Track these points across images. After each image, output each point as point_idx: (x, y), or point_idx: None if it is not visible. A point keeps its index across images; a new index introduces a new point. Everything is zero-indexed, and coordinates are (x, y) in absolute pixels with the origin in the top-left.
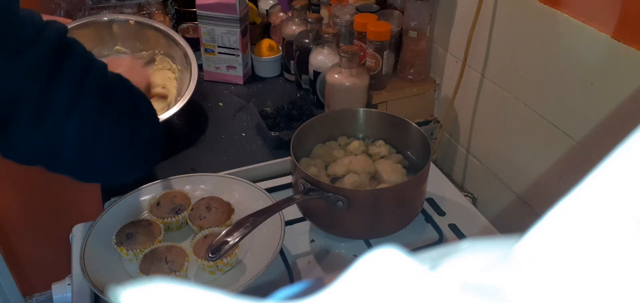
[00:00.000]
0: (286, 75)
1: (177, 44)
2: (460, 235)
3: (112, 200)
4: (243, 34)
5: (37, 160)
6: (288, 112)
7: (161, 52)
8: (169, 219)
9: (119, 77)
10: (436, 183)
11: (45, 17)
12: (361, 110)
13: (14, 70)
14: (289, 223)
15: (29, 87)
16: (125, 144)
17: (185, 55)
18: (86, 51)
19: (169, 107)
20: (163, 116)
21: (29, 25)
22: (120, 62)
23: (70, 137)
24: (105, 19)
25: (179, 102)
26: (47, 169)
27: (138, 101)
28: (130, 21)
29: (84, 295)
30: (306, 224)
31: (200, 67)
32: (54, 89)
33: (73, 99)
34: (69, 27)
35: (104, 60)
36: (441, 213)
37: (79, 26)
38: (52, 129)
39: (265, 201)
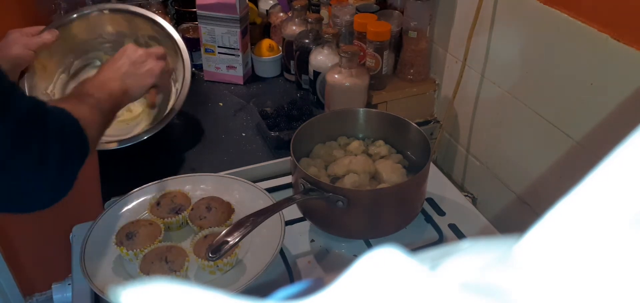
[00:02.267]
0: (286, 75)
1: (163, 29)
2: (460, 235)
3: (113, 200)
4: (243, 34)
5: None
6: (288, 113)
7: (147, 36)
8: (169, 219)
9: (38, 114)
10: (436, 183)
11: None
12: (361, 110)
13: None
14: (289, 223)
15: None
16: (25, 184)
17: (173, 40)
18: (7, 81)
19: (168, 99)
20: (170, 105)
21: None
22: (117, 57)
23: None
24: (75, 15)
25: (180, 94)
26: None
27: (51, 141)
28: (104, 11)
29: (84, 295)
30: (306, 224)
31: (199, 67)
32: None
33: None
34: (54, 29)
35: (106, 60)
36: (441, 213)
37: (59, 26)
38: None
39: (265, 201)
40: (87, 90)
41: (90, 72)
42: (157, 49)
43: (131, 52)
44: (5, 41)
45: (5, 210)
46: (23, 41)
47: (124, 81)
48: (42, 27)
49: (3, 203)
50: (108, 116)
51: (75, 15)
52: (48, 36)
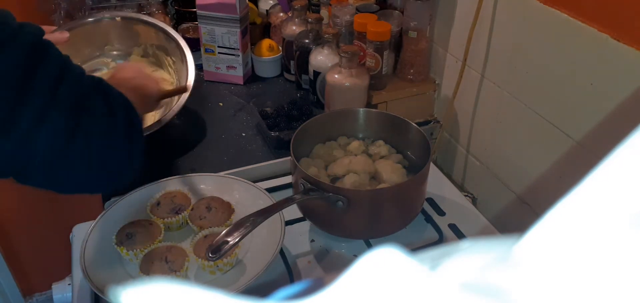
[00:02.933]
0: (286, 75)
1: (168, 35)
2: (460, 235)
3: (113, 199)
4: (243, 34)
5: (5, 172)
6: (288, 113)
7: (154, 45)
8: (169, 219)
9: (97, 84)
10: (436, 183)
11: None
12: (361, 110)
13: None
14: (289, 223)
15: None
16: (99, 156)
17: (178, 46)
18: (61, 56)
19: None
20: (176, 107)
21: (1, 27)
22: (127, 68)
23: (40, 149)
24: (91, 19)
25: (183, 96)
26: (17, 182)
27: (116, 110)
28: (117, 18)
29: (84, 295)
30: (306, 224)
31: (199, 67)
32: (24, 98)
33: (44, 110)
34: (65, 31)
35: (113, 67)
36: (441, 213)
37: (67, 29)
38: (20, 140)
39: (265, 201)
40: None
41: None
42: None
43: (125, 65)
44: None
45: (84, 187)
46: None
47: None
48: (54, 28)
49: (85, 178)
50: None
51: (90, 19)
52: (59, 36)
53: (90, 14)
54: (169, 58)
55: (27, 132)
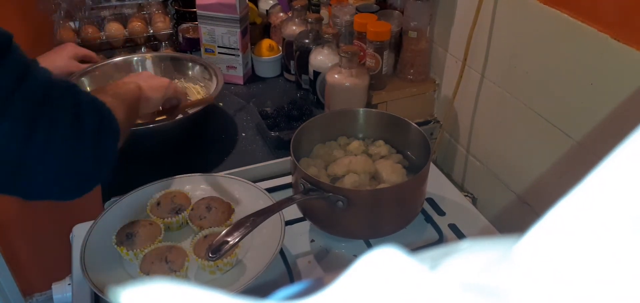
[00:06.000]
0: (286, 75)
1: (196, 63)
2: (460, 235)
3: (113, 199)
4: (243, 34)
5: None
6: (288, 113)
7: (182, 79)
8: (169, 219)
9: (66, 90)
10: (436, 183)
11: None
12: (361, 110)
13: None
14: (289, 223)
15: None
16: (60, 162)
17: (206, 67)
18: (22, 61)
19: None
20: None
21: None
22: (139, 75)
23: None
24: (118, 59)
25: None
26: None
27: (84, 116)
28: (147, 56)
29: (84, 295)
30: (306, 224)
31: None
32: None
33: (1, 106)
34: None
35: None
36: (441, 213)
37: (99, 66)
38: None
39: (265, 201)
40: (104, 89)
41: None
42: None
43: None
44: (58, 47)
45: (48, 194)
46: (72, 50)
47: (138, 83)
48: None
49: (46, 184)
50: (131, 107)
51: (118, 59)
52: (94, 54)
53: (90, 13)
54: (197, 86)
55: None
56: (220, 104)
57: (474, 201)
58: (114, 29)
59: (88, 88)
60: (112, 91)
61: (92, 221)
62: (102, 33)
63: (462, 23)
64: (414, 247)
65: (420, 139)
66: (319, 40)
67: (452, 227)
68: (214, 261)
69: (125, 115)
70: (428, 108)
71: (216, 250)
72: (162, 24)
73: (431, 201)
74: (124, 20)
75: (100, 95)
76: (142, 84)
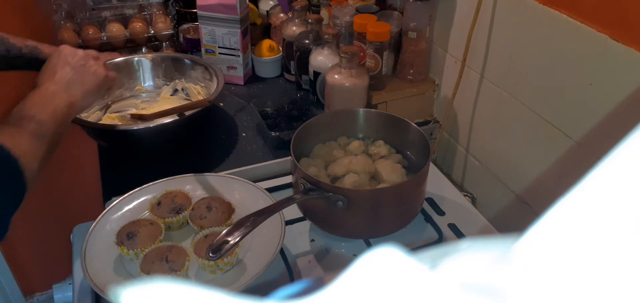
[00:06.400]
0: (286, 75)
1: (197, 63)
2: (459, 235)
3: (113, 199)
4: (244, 34)
5: None
6: (288, 113)
7: (182, 79)
8: (170, 219)
9: None
10: (436, 183)
11: None
12: (361, 110)
13: None
14: (289, 222)
15: None
16: None
17: (207, 68)
18: None
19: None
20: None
21: None
22: (74, 54)
23: None
24: (119, 59)
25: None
26: None
27: None
28: (148, 57)
29: (85, 295)
30: (306, 224)
31: None
32: None
33: None
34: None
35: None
36: (441, 212)
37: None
38: None
39: (266, 201)
40: (28, 112)
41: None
42: (92, 51)
43: (70, 55)
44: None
45: None
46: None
47: (69, 92)
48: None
49: None
50: (53, 140)
51: (119, 59)
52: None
53: (90, 13)
54: (197, 87)
55: None
56: (221, 104)
57: (473, 201)
58: (114, 29)
59: None
60: (34, 123)
61: (93, 221)
62: (103, 34)
63: (462, 24)
64: (414, 247)
65: (419, 139)
66: (319, 40)
67: (452, 227)
68: (214, 261)
69: (44, 158)
70: (427, 108)
71: (217, 250)
72: (162, 25)
73: (431, 201)
74: (124, 21)
75: (18, 134)
76: (75, 96)
